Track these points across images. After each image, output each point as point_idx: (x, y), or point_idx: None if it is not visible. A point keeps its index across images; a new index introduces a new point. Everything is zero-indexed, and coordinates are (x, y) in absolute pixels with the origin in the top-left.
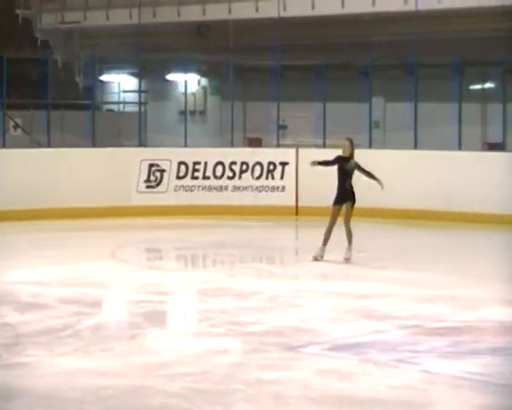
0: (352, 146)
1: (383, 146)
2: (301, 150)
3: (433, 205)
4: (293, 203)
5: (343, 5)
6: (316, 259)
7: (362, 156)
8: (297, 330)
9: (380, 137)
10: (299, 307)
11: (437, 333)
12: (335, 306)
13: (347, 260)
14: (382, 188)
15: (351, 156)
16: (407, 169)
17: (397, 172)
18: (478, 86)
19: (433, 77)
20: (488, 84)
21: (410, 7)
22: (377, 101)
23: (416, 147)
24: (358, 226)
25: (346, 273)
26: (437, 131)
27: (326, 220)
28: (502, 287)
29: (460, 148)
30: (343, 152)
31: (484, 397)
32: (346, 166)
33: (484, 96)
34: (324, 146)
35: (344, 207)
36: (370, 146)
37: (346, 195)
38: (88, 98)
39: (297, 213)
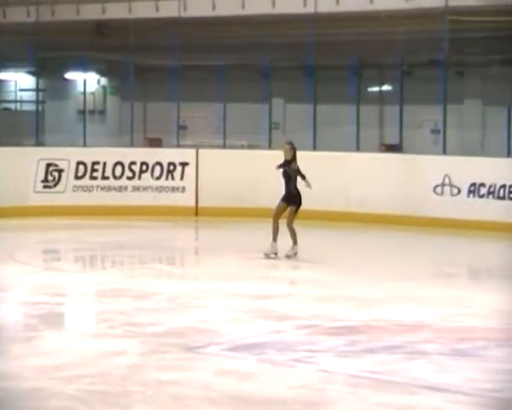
0: (293, 149)
1: (282, 147)
2: (201, 151)
3: (332, 205)
4: (193, 204)
5: (243, 6)
6: (267, 256)
7: (260, 157)
8: (196, 331)
9: (279, 137)
10: (199, 307)
11: (334, 333)
12: (235, 306)
13: (289, 257)
14: (309, 188)
15: (292, 159)
16: (306, 170)
17: None
18: (375, 88)
19: (332, 79)
20: (385, 87)
21: (310, 9)
22: (277, 102)
23: (314, 148)
24: (262, 227)
25: (246, 274)
26: (335, 132)
27: (226, 221)
28: (396, 286)
29: (358, 149)
30: (285, 156)
31: (380, 395)
32: (288, 170)
33: (381, 98)
34: (224, 146)
35: (288, 208)
36: (270, 147)
37: (290, 197)
38: None
39: (197, 214)
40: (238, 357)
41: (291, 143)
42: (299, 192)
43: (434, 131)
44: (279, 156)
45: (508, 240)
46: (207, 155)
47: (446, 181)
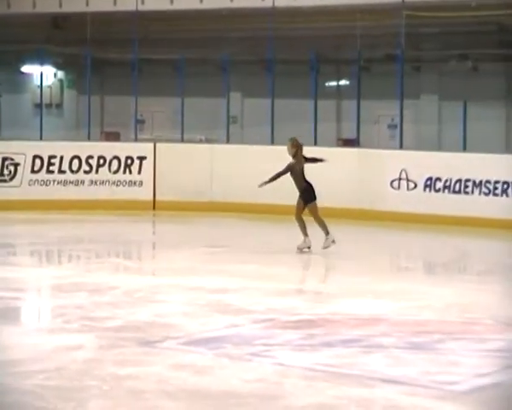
0: (295, 145)
1: (241, 141)
2: (159, 145)
3: (289, 199)
4: (151, 198)
5: (201, 0)
6: (301, 250)
7: (219, 151)
8: (153, 325)
9: (237, 132)
10: (156, 302)
11: (291, 326)
12: (192, 300)
13: (326, 246)
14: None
15: (294, 155)
16: (264, 164)
17: (254, 167)
18: (333, 83)
19: (290, 73)
20: (343, 82)
21: (268, 3)
22: (235, 96)
23: (272, 142)
24: (219, 222)
25: (203, 268)
26: (293, 126)
27: (183, 215)
28: (353, 280)
29: (316, 143)
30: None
31: (337, 388)
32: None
33: (339, 92)
34: (182, 141)
35: (307, 207)
36: (228, 141)
37: (304, 194)
38: None
39: (154, 208)
40: (195, 351)
41: (292, 140)
42: (310, 186)
43: (391, 126)
44: (236, 150)
45: (463, 234)
46: (165, 149)
47: (403, 175)
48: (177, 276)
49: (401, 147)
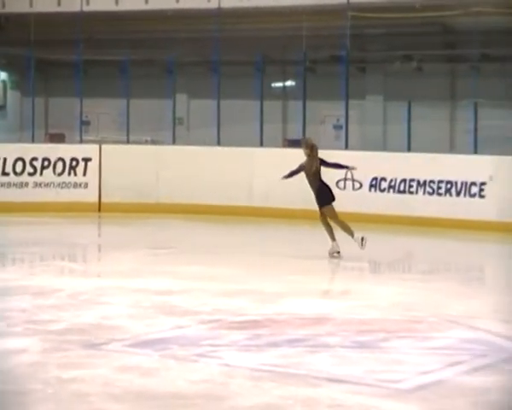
0: (308, 146)
1: (187, 142)
2: (104, 146)
3: (235, 200)
4: (96, 200)
5: (147, 1)
6: (332, 255)
7: (165, 153)
8: (98, 328)
9: (183, 133)
10: (101, 304)
11: (237, 327)
12: (137, 302)
13: (362, 245)
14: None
15: (308, 155)
16: (210, 165)
17: (200, 168)
18: (279, 84)
19: (236, 74)
20: (289, 82)
21: (214, 4)
22: (181, 97)
23: (219, 143)
24: (165, 223)
25: (148, 270)
26: (239, 127)
27: (129, 217)
28: (299, 280)
29: (262, 144)
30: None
31: (283, 388)
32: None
33: (284, 93)
34: (128, 142)
35: (325, 209)
36: (174, 142)
37: (319, 197)
38: None
39: (100, 210)
40: (141, 353)
41: (305, 140)
42: (324, 188)
43: (337, 127)
44: (182, 152)
45: (408, 233)
46: (111, 150)
47: (348, 176)
48: (122, 278)
49: (346, 147)
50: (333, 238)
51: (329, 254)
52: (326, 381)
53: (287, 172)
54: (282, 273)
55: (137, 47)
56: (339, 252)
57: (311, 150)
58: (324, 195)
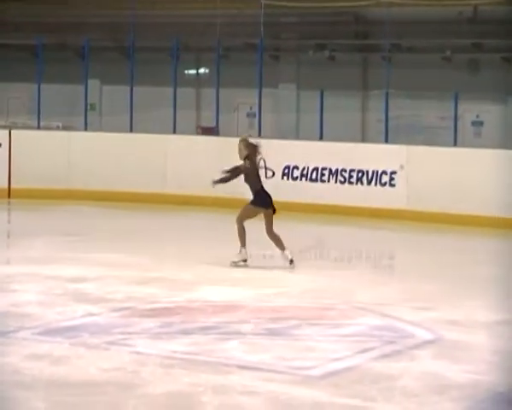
0: (246, 145)
1: (99, 129)
2: (14, 132)
3: (149, 187)
4: (6, 185)
5: None
6: (236, 264)
7: (77, 139)
8: (7, 315)
9: (95, 119)
10: (11, 291)
11: (149, 315)
12: (48, 289)
13: (289, 262)
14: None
15: (246, 157)
16: (123, 152)
17: (113, 154)
18: (193, 71)
19: (150, 60)
20: (202, 69)
21: None
22: (93, 83)
23: (131, 130)
24: (76, 210)
25: (60, 257)
26: (153, 114)
27: (40, 203)
28: (211, 268)
29: (175, 131)
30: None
31: (194, 375)
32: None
33: (198, 80)
34: (39, 127)
35: (265, 212)
36: (86, 128)
37: (257, 199)
38: None
39: (9, 196)
40: (51, 341)
41: (242, 139)
42: (264, 193)
43: (250, 115)
44: (94, 138)
45: (320, 221)
46: (21, 135)
47: (262, 164)
48: (32, 265)
49: (260, 135)
50: (243, 244)
51: (233, 262)
52: (237, 368)
53: (220, 175)
54: (194, 261)
55: (50, 31)
56: (245, 260)
57: (255, 150)
58: (264, 199)
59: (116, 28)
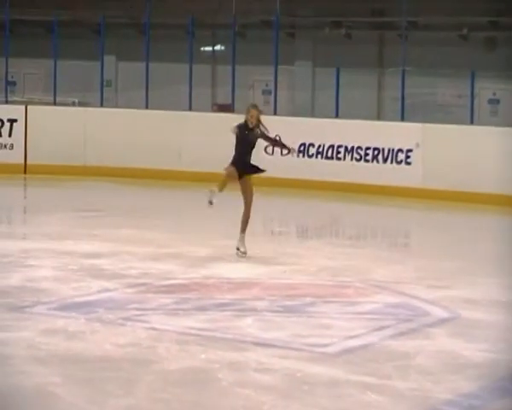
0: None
1: (115, 105)
2: (30, 107)
3: (164, 164)
4: (22, 161)
5: None
6: (210, 203)
7: (93, 115)
8: (23, 290)
9: (111, 95)
10: (27, 266)
11: (164, 291)
12: (64, 265)
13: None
14: (293, 155)
15: (257, 126)
16: (139, 128)
17: (129, 131)
18: (208, 48)
19: (166, 37)
20: (218, 47)
21: None
22: (109, 59)
23: (147, 107)
24: (92, 186)
25: (76, 233)
26: (168, 91)
27: (56, 179)
28: (226, 245)
29: (190, 108)
30: (249, 120)
31: (209, 351)
32: (249, 137)
33: (214, 57)
34: (55, 104)
35: (241, 181)
36: (102, 105)
37: (245, 167)
38: None
39: (26, 172)
40: (66, 316)
41: (256, 106)
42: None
43: (266, 92)
44: (110, 114)
45: (336, 199)
46: (37, 111)
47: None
48: (48, 240)
49: (275, 113)
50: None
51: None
52: (253, 345)
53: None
54: (210, 238)
55: (66, 7)
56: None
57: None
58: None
59: (132, 4)
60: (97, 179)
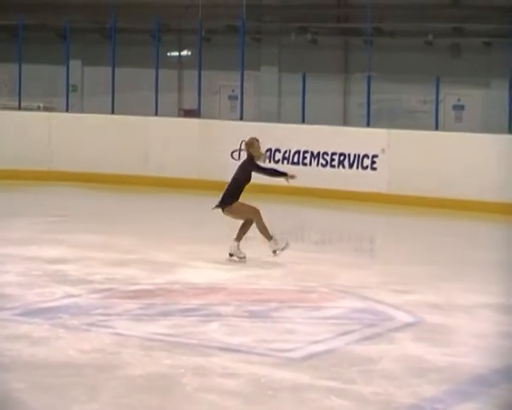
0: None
1: (81, 110)
2: None
3: (130, 169)
4: None
5: None
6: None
7: (58, 120)
8: None
9: (77, 101)
10: None
11: (129, 296)
12: (28, 270)
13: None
14: (289, 180)
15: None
16: (104, 133)
17: (94, 136)
18: (175, 53)
19: (132, 42)
20: (184, 52)
21: None
22: (75, 64)
23: (113, 112)
24: (61, 191)
25: (41, 238)
26: (134, 96)
27: (20, 184)
28: (192, 250)
29: (157, 113)
30: (254, 153)
31: (174, 357)
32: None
33: (180, 62)
34: (19, 108)
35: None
36: (68, 110)
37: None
38: None
39: None
40: (31, 322)
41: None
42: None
43: (232, 97)
44: (76, 119)
45: (302, 204)
46: (1, 116)
47: (243, 146)
48: (13, 246)
49: (241, 118)
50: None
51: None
52: (218, 350)
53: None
54: (175, 243)
55: (31, 11)
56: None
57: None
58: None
59: (97, 9)
60: (62, 184)
